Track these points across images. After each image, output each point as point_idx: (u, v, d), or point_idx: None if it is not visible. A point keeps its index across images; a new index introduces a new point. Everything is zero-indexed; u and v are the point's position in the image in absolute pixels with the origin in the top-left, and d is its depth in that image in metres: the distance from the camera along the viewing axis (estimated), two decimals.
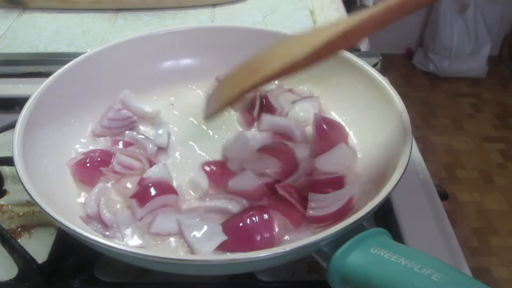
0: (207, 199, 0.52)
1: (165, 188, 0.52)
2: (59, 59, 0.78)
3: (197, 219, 0.50)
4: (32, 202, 0.47)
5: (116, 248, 0.42)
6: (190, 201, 0.53)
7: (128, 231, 0.50)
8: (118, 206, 0.53)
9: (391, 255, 0.39)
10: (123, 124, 0.63)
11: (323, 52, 0.44)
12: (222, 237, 0.47)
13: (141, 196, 0.51)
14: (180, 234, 0.49)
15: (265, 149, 0.56)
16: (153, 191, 0.51)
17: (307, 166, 0.55)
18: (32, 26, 0.92)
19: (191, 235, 0.48)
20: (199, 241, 0.47)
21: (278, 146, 0.57)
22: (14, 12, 0.96)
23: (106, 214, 0.51)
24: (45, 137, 0.57)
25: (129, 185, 0.54)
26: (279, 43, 0.50)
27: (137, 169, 0.56)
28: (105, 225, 0.50)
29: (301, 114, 0.64)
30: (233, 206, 0.51)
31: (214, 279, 0.51)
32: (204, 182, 0.54)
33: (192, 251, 0.48)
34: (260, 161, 0.54)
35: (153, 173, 0.54)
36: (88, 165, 0.56)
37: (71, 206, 0.53)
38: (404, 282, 0.37)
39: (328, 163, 0.56)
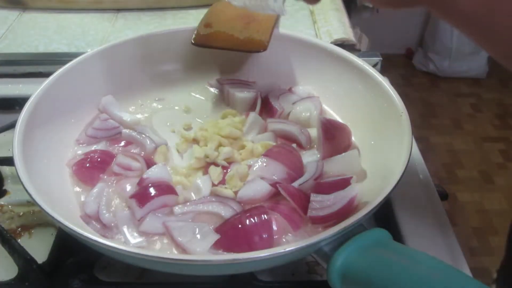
0: (200, 203, 0.52)
1: (165, 188, 0.52)
2: (59, 59, 0.78)
3: (186, 222, 0.50)
4: (32, 202, 0.47)
5: (116, 248, 0.42)
6: (183, 204, 0.52)
7: (128, 231, 0.50)
8: (118, 206, 0.53)
9: (391, 255, 0.39)
10: (109, 134, 0.62)
11: None
12: (215, 236, 0.47)
13: (141, 196, 0.51)
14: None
15: (270, 154, 0.55)
16: (153, 191, 0.51)
17: (315, 170, 0.54)
18: (32, 26, 0.92)
19: (181, 238, 0.47)
20: (191, 242, 0.47)
21: (284, 150, 0.57)
22: (14, 12, 0.96)
23: (106, 215, 0.51)
24: (45, 137, 0.57)
25: (128, 186, 0.54)
26: None
27: (135, 169, 0.56)
28: (104, 226, 0.50)
29: (302, 114, 0.64)
30: (225, 212, 0.51)
31: (214, 279, 0.51)
32: (206, 187, 0.54)
33: (186, 252, 0.47)
34: (266, 167, 0.54)
35: (152, 173, 0.54)
36: (88, 165, 0.56)
37: (71, 206, 0.53)
38: (404, 282, 0.37)
39: (337, 166, 0.56)
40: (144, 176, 0.54)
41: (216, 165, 0.57)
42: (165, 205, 0.51)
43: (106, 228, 0.50)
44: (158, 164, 0.56)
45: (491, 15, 0.37)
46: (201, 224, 0.49)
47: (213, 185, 0.55)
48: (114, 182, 0.56)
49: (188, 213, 0.51)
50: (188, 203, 0.52)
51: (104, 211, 0.51)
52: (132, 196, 0.51)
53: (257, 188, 0.52)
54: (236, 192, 0.53)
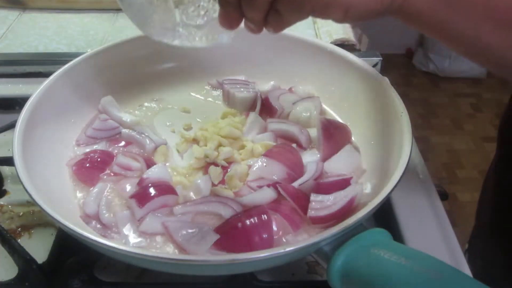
0: (200, 203, 0.52)
1: (165, 188, 0.52)
2: (59, 59, 0.78)
3: (186, 222, 0.50)
4: (32, 202, 0.47)
5: (116, 248, 0.42)
6: (183, 204, 0.52)
7: (128, 231, 0.50)
8: (118, 206, 0.53)
9: (391, 255, 0.39)
10: (109, 135, 0.62)
11: None
12: (214, 236, 0.47)
13: (141, 196, 0.51)
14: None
15: (270, 154, 0.55)
16: (153, 192, 0.51)
17: (315, 170, 0.54)
18: (32, 26, 0.92)
19: (180, 238, 0.47)
20: (191, 242, 0.47)
21: (284, 150, 0.56)
22: (14, 12, 0.96)
23: (106, 215, 0.51)
24: (45, 137, 0.57)
25: (128, 186, 0.54)
26: None
27: (135, 169, 0.56)
28: (104, 226, 0.50)
29: (302, 114, 0.63)
30: (225, 212, 0.50)
31: (214, 279, 0.51)
32: (206, 187, 0.54)
33: (185, 252, 0.47)
34: (266, 167, 0.54)
35: (152, 173, 0.54)
36: (88, 165, 0.56)
37: (71, 206, 0.53)
38: (404, 282, 0.37)
39: (337, 166, 0.56)
40: (144, 176, 0.54)
41: (216, 165, 0.57)
42: (165, 205, 0.51)
43: (106, 228, 0.50)
44: (158, 164, 0.56)
45: (446, 17, 0.44)
46: (201, 224, 0.49)
47: (213, 185, 0.55)
48: (114, 182, 0.55)
49: (188, 213, 0.51)
50: (188, 203, 0.52)
51: (104, 211, 0.51)
52: (132, 196, 0.51)
53: (263, 196, 0.52)
54: (236, 193, 0.53)
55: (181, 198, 0.53)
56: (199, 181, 0.54)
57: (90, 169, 0.56)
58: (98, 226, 0.51)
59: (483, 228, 0.85)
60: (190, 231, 0.48)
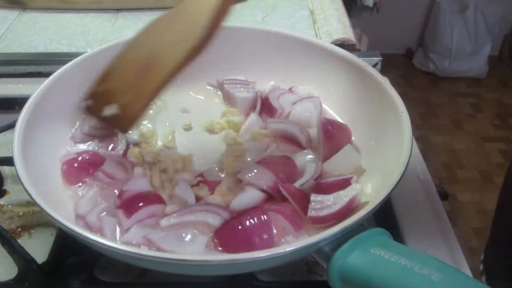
0: (186, 213, 0.49)
1: (152, 198, 0.51)
2: (59, 59, 0.78)
3: (169, 231, 0.48)
4: (32, 202, 0.47)
5: (116, 248, 0.42)
6: (168, 216, 0.49)
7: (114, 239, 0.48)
8: (107, 211, 0.51)
9: (391, 255, 0.39)
10: (107, 132, 0.61)
11: (216, 23, 0.43)
12: (204, 237, 0.46)
13: (128, 206, 0.49)
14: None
15: (264, 162, 0.55)
16: (139, 202, 0.50)
17: (315, 170, 0.54)
18: (32, 26, 0.92)
19: (169, 246, 0.46)
20: (182, 247, 0.46)
21: (279, 159, 0.56)
22: (14, 12, 0.96)
23: (95, 219, 0.50)
24: (45, 137, 0.57)
25: (116, 191, 0.52)
26: (154, 27, 0.47)
27: (118, 179, 0.55)
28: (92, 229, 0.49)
29: (302, 114, 0.63)
30: (213, 219, 0.49)
31: (214, 279, 0.51)
32: (189, 195, 0.52)
33: None
34: (257, 173, 0.53)
35: (132, 185, 0.52)
36: (76, 165, 0.55)
37: (70, 206, 0.53)
38: (404, 282, 0.37)
39: (337, 166, 0.56)
40: (124, 188, 0.52)
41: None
42: (152, 215, 0.50)
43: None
44: (138, 177, 0.54)
45: None
46: (186, 230, 0.48)
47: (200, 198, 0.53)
48: (102, 187, 0.54)
49: (175, 226, 0.49)
50: (174, 215, 0.50)
51: (94, 216, 0.50)
52: (119, 206, 0.50)
53: (249, 197, 0.51)
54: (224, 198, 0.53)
55: (168, 207, 0.51)
56: (177, 191, 0.52)
57: (78, 169, 0.55)
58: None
59: (503, 236, 0.82)
60: (176, 238, 0.47)
